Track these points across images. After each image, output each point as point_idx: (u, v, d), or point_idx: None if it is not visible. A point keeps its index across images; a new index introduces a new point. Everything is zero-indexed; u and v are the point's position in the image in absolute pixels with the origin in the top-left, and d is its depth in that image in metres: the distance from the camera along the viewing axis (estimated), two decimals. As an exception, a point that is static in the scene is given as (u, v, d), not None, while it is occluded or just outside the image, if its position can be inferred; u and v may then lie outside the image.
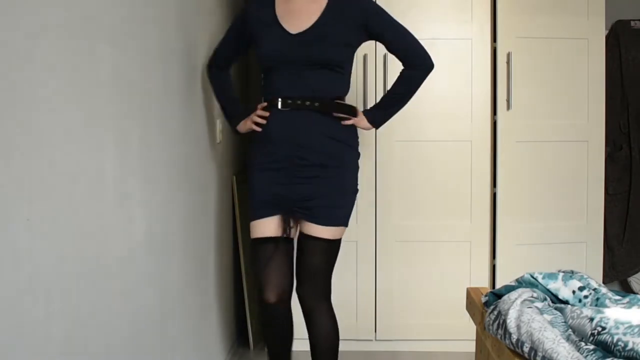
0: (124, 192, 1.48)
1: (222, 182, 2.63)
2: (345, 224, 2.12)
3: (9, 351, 1.00)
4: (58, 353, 1.16)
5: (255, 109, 2.17)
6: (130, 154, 1.53)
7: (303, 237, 2.09)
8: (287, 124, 2.04)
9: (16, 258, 1.02)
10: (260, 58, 2.10)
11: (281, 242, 2.07)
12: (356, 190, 2.18)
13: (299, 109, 2.03)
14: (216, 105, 2.50)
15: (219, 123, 2.53)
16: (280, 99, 2.04)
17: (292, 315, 2.18)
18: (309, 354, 2.22)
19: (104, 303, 1.37)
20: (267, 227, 2.06)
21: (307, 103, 2.02)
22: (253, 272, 2.12)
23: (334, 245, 2.09)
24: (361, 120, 2.15)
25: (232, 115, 2.31)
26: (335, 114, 2.07)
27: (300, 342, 2.56)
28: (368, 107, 2.49)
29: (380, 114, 2.21)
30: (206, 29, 2.36)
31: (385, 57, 2.76)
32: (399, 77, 2.20)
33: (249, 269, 2.98)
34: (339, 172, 2.08)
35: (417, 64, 2.17)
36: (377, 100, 2.29)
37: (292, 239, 2.13)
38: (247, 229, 3.00)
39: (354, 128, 2.15)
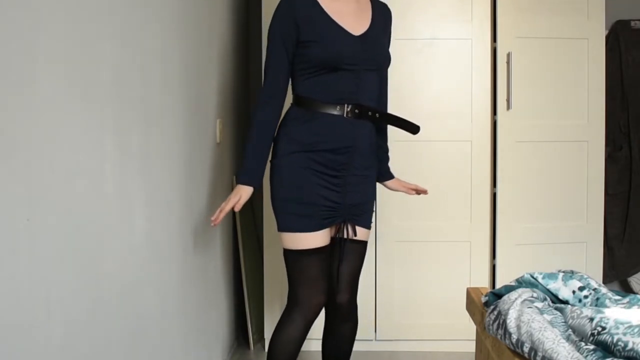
0: (124, 192, 1.48)
1: (222, 182, 2.63)
2: None
3: (9, 351, 1.00)
4: (58, 353, 1.16)
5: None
6: (130, 153, 1.53)
7: (344, 241, 2.03)
8: (348, 132, 1.95)
9: (16, 258, 1.02)
10: (319, 58, 1.92)
11: (327, 249, 2.01)
12: None
13: (360, 118, 1.97)
14: (216, 106, 2.49)
15: (219, 123, 2.53)
16: (346, 106, 1.94)
17: None
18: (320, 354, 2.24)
19: (104, 303, 1.37)
20: (320, 238, 1.97)
21: (370, 113, 1.98)
22: (293, 282, 2.00)
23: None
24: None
25: (253, 169, 1.97)
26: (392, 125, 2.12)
27: (309, 342, 2.56)
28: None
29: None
30: (207, 28, 2.36)
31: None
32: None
33: (249, 270, 2.98)
34: (374, 177, 2.11)
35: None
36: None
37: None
38: (247, 229, 3.01)
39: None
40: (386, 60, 2.05)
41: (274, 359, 2.00)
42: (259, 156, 1.97)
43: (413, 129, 2.11)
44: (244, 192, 1.94)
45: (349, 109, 1.94)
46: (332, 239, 2.03)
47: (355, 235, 2.02)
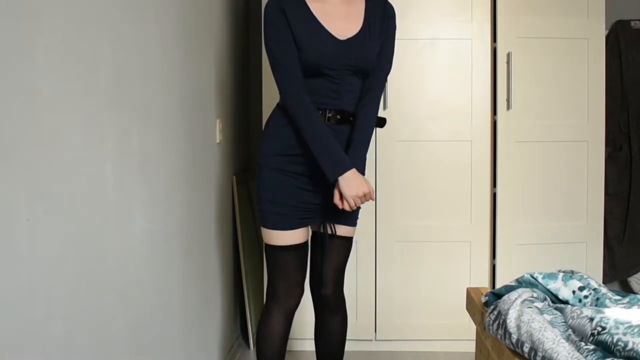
0: (124, 192, 1.48)
1: (222, 182, 2.63)
2: None
3: (10, 351, 1.00)
4: (58, 353, 1.16)
5: None
6: (130, 153, 1.53)
7: (329, 237, 2.06)
8: None
9: (16, 258, 1.02)
10: (301, 62, 1.89)
11: (306, 245, 2.06)
12: None
13: (342, 123, 1.96)
14: (216, 106, 2.49)
15: (219, 123, 2.53)
16: (328, 112, 1.93)
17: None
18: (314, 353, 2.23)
19: (104, 303, 1.37)
20: (296, 235, 2.01)
21: (351, 119, 1.96)
22: (271, 275, 2.05)
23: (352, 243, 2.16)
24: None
25: (342, 158, 1.88)
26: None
27: (304, 342, 2.56)
28: None
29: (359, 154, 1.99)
30: (207, 28, 2.36)
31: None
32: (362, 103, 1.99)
33: (249, 270, 2.98)
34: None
35: (382, 77, 2.05)
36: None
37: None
38: (247, 229, 3.01)
39: None
40: (370, 64, 1.97)
41: (262, 354, 2.06)
42: (331, 142, 1.88)
43: (381, 122, 2.10)
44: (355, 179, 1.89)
45: (330, 115, 1.94)
46: (316, 234, 2.08)
47: (334, 233, 2.05)
